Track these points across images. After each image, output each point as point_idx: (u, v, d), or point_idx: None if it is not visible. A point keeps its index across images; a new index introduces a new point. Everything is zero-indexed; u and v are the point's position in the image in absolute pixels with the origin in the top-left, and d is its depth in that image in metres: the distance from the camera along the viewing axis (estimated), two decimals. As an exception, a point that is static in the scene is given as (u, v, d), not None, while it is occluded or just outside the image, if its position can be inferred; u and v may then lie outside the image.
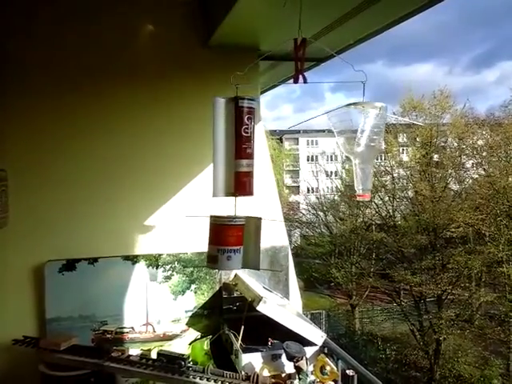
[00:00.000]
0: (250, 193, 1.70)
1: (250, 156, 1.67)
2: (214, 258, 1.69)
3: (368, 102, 1.71)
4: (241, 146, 1.65)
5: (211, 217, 1.69)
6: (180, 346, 2.77)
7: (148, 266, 2.79)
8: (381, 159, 22.06)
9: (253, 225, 1.68)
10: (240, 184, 1.66)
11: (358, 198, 1.81)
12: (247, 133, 1.66)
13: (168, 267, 2.82)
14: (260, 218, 1.69)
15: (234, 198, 1.68)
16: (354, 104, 1.70)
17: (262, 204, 2.98)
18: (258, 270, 1.80)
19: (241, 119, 1.65)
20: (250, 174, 1.68)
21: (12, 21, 2.61)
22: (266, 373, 2.28)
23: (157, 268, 2.80)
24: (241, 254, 1.67)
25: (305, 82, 1.67)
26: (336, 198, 23.95)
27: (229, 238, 1.68)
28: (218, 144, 1.67)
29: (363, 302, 20.72)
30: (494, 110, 18.90)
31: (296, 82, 1.65)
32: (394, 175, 20.37)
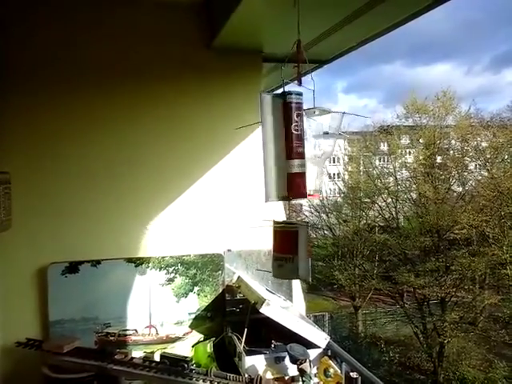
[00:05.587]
0: (303, 195, 1.59)
1: (302, 155, 1.56)
2: (272, 265, 1.64)
3: (320, 107, 1.70)
4: (291, 145, 1.54)
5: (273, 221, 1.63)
6: (183, 349, 2.77)
7: (151, 269, 2.79)
8: (384, 161, 22.02)
9: (302, 232, 1.59)
10: (293, 186, 1.55)
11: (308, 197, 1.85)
12: (297, 130, 1.55)
13: (171, 269, 2.82)
14: (307, 224, 1.63)
15: (265, 202, 1.57)
16: (306, 110, 1.67)
17: (265, 206, 2.98)
18: (309, 281, 1.70)
19: (289, 116, 1.54)
20: (303, 175, 1.57)
21: (11, 20, 2.62)
22: (269, 375, 2.27)
23: (160, 270, 2.80)
24: (294, 263, 1.57)
25: (299, 84, 1.65)
26: (339, 199, 23.89)
27: (278, 244, 1.63)
28: (268, 144, 1.55)
29: (366, 305, 20.64)
30: (503, 111, 18.67)
31: (300, 84, 1.63)
32: (398, 177, 20.32)
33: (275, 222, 1.66)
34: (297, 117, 1.55)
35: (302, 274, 1.59)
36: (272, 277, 1.78)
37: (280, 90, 1.58)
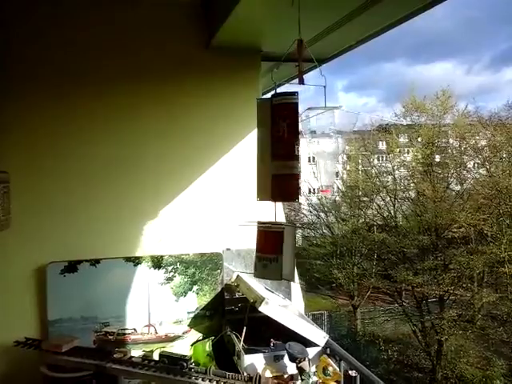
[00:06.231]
0: (287, 197, 1.58)
1: (284, 157, 1.53)
2: (254, 265, 1.64)
3: (328, 106, 1.71)
4: (274, 148, 1.54)
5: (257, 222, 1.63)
6: (182, 348, 2.77)
7: (150, 268, 2.79)
8: (382, 160, 22.02)
9: (288, 232, 1.58)
10: (276, 188, 1.56)
11: (320, 194, 1.85)
12: (279, 132, 1.53)
13: (170, 268, 2.82)
14: (295, 225, 1.65)
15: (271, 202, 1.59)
16: (312, 108, 1.69)
17: (263, 205, 2.98)
18: (293, 281, 1.70)
19: (273, 119, 1.54)
20: (285, 177, 1.54)
21: (12, 21, 2.61)
22: (268, 374, 2.28)
23: (159, 269, 2.80)
24: (279, 263, 1.56)
25: (302, 83, 1.65)
26: (337, 198, 23.89)
27: (263, 244, 1.62)
28: (257, 147, 1.59)
29: (365, 303, 20.66)
30: (502, 109, 18.63)
31: (302, 82, 1.63)
32: (396, 175, 20.32)
33: (260, 223, 1.65)
34: (279, 119, 1.52)
35: (286, 274, 1.58)
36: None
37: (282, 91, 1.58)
